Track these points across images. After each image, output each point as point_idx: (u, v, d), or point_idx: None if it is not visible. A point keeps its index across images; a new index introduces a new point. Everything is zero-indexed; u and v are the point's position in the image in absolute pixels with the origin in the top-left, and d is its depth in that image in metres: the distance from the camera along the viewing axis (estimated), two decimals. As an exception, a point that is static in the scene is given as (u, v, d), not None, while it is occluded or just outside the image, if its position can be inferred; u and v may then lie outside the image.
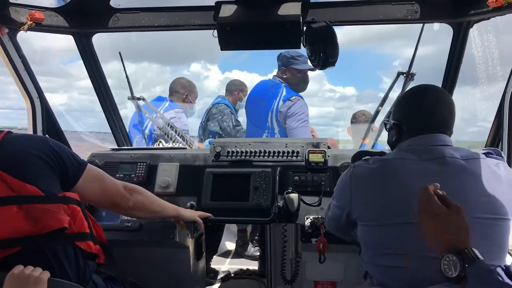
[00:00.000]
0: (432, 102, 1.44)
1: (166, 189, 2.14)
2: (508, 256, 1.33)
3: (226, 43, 1.96)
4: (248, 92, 3.80)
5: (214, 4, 1.96)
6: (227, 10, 1.90)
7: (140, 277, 1.82)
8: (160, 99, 3.56)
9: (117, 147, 2.73)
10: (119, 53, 2.81)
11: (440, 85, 2.26)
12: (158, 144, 2.80)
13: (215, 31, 1.95)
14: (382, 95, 2.77)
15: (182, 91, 3.55)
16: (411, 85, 2.50)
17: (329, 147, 2.23)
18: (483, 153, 1.43)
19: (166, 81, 3.67)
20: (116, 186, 1.60)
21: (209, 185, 2.10)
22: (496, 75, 2.07)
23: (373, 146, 2.86)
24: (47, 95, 2.44)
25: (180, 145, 2.92)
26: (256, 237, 3.65)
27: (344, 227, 1.57)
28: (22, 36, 2.21)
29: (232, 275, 3.10)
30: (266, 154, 2.20)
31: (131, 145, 2.95)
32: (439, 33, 2.24)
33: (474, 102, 2.52)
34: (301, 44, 1.95)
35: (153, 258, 2.11)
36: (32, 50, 2.35)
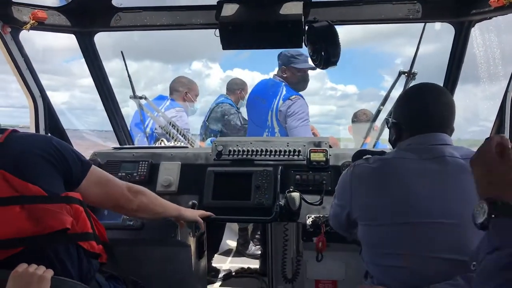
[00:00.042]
0: (432, 101, 1.44)
1: (168, 188, 2.15)
2: None
3: (228, 43, 1.96)
4: (249, 91, 3.81)
5: (216, 4, 1.96)
6: (229, 10, 1.90)
7: (142, 275, 1.83)
8: (161, 98, 3.56)
9: (119, 145, 2.74)
10: (121, 52, 2.81)
11: (441, 84, 2.26)
12: (160, 143, 2.81)
13: (217, 30, 1.95)
14: (383, 93, 2.77)
15: (182, 90, 3.55)
16: (412, 84, 2.50)
17: (330, 146, 2.23)
18: None
19: (168, 79, 3.66)
20: (120, 188, 1.59)
21: (211, 184, 2.10)
22: (498, 75, 2.07)
23: (374, 145, 2.86)
24: (49, 93, 2.45)
25: (182, 144, 2.92)
26: (257, 236, 3.66)
27: (345, 226, 1.58)
28: (24, 35, 2.22)
29: (233, 273, 3.12)
30: (268, 153, 2.20)
31: (133, 144, 2.96)
32: (441, 32, 2.24)
33: (475, 102, 2.53)
34: (303, 43, 1.95)
35: (155, 256, 2.12)
36: (34, 48, 2.36)
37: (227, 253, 3.72)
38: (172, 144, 2.83)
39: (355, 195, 1.46)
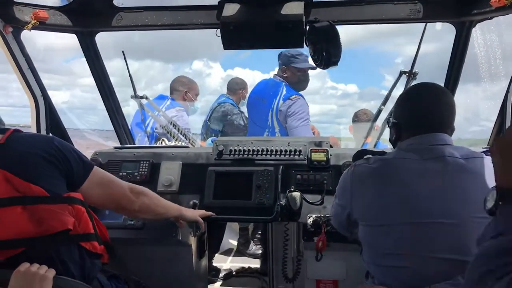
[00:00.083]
0: (432, 102, 1.44)
1: (168, 188, 2.15)
2: None
3: (229, 43, 1.97)
4: (249, 91, 3.81)
5: (217, 3, 1.97)
6: (230, 9, 1.90)
7: (142, 275, 1.83)
8: (161, 97, 3.56)
9: (119, 145, 2.75)
10: (123, 52, 2.81)
11: (442, 84, 2.26)
12: (161, 143, 2.81)
13: (218, 30, 1.95)
14: (384, 92, 2.77)
15: (182, 89, 3.55)
16: (413, 84, 2.49)
17: (331, 146, 2.23)
18: (482, 152, 1.43)
19: (169, 79, 3.67)
20: (122, 189, 1.58)
21: (212, 184, 2.11)
22: (499, 75, 2.07)
23: (375, 145, 2.86)
24: (50, 93, 2.46)
25: (183, 144, 2.93)
26: (257, 235, 3.66)
27: (346, 226, 1.58)
28: (26, 34, 2.22)
29: (234, 273, 3.12)
30: (269, 152, 2.21)
31: (134, 143, 2.96)
32: (442, 32, 2.24)
33: (476, 102, 2.53)
34: (304, 43, 1.95)
35: (156, 256, 2.12)
36: (35, 48, 2.36)
37: (227, 252, 3.73)
38: (173, 143, 2.84)
39: (355, 195, 1.47)
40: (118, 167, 2.23)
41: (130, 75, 2.91)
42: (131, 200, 1.59)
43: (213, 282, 2.98)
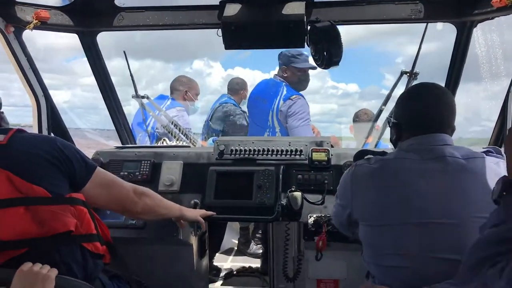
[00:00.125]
0: (432, 102, 1.43)
1: (170, 187, 2.16)
2: None
3: (231, 43, 1.97)
4: (248, 90, 3.81)
5: (218, 3, 1.97)
6: (232, 9, 1.90)
7: (144, 274, 1.84)
8: (161, 97, 3.56)
9: (121, 145, 2.75)
10: (124, 52, 2.81)
11: (443, 85, 2.26)
12: (162, 143, 2.82)
13: (220, 30, 1.95)
14: (384, 91, 2.77)
15: (182, 89, 3.54)
16: (414, 84, 2.49)
17: (332, 146, 2.24)
18: (483, 152, 1.43)
19: (169, 78, 3.68)
20: (125, 190, 1.57)
21: (213, 183, 2.11)
22: (500, 75, 2.07)
23: (376, 145, 2.87)
24: (51, 92, 2.46)
25: (184, 143, 2.93)
26: (257, 235, 3.66)
27: (347, 226, 1.59)
28: (27, 34, 2.22)
29: (235, 272, 3.12)
30: (270, 152, 2.21)
31: (135, 143, 2.97)
32: (443, 31, 2.24)
33: (477, 101, 2.53)
34: (305, 43, 1.95)
35: (157, 255, 2.13)
36: (36, 48, 2.36)
37: (228, 252, 3.73)
38: (174, 143, 2.84)
39: (356, 196, 1.47)
40: (120, 167, 2.23)
41: (131, 75, 2.92)
42: (133, 202, 1.59)
43: (214, 281, 2.98)
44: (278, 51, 3.28)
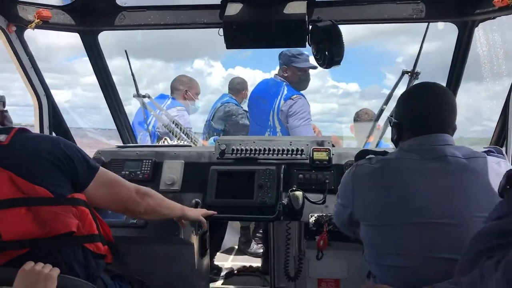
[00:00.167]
0: (433, 101, 1.43)
1: (171, 186, 2.16)
2: None
3: (232, 42, 1.97)
4: (249, 90, 3.81)
5: (220, 3, 1.97)
6: (233, 9, 1.90)
7: (145, 273, 1.83)
8: (162, 97, 3.56)
9: (122, 144, 2.75)
10: (125, 51, 2.81)
11: (444, 84, 2.26)
12: (163, 142, 2.82)
13: (221, 29, 1.95)
14: (385, 91, 2.78)
15: (182, 88, 3.54)
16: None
17: (333, 145, 2.24)
18: (484, 152, 1.43)
19: (170, 78, 3.68)
20: (128, 191, 1.57)
21: (214, 183, 2.11)
22: (501, 74, 2.07)
23: (377, 145, 2.87)
24: (52, 92, 2.46)
25: (185, 143, 2.93)
26: (258, 234, 3.66)
27: (348, 225, 1.59)
28: (27, 34, 2.22)
29: (235, 272, 3.12)
30: (271, 152, 2.21)
31: (136, 142, 2.97)
32: (444, 31, 2.24)
33: (478, 101, 2.53)
34: (307, 42, 1.95)
35: (158, 254, 2.13)
36: (37, 47, 2.36)
37: (229, 251, 3.73)
38: (175, 142, 2.84)
39: (357, 195, 1.47)
40: (121, 166, 2.24)
41: (132, 74, 2.92)
42: (136, 202, 1.58)
43: (215, 280, 2.99)
44: (279, 50, 3.28)
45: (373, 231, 1.41)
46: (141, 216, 1.71)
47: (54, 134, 2.45)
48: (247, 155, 2.22)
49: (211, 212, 1.98)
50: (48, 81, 2.43)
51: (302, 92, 3.23)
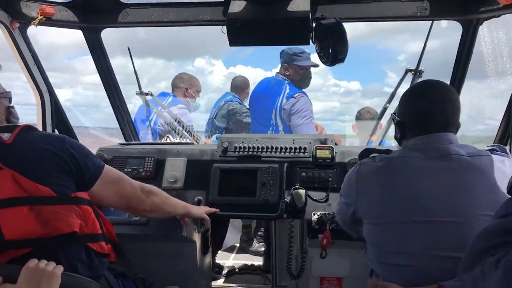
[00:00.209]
0: (436, 99, 1.42)
1: (173, 184, 2.16)
2: None
3: (235, 39, 1.96)
4: (250, 88, 3.81)
5: (223, 0, 1.97)
6: (237, 6, 1.90)
7: (147, 270, 1.83)
8: (163, 94, 3.56)
9: (125, 141, 2.75)
10: (128, 48, 2.81)
11: (448, 83, 2.25)
12: (166, 139, 2.82)
13: (224, 27, 1.95)
14: (387, 89, 2.79)
15: (183, 86, 3.54)
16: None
17: (336, 144, 2.23)
18: (488, 150, 1.43)
19: (171, 76, 3.67)
20: (133, 189, 1.56)
21: (217, 180, 2.11)
22: (506, 73, 2.06)
23: (380, 143, 2.86)
24: (53, 90, 2.46)
25: (187, 140, 2.93)
26: (259, 233, 3.67)
27: (350, 224, 1.59)
28: (29, 32, 2.22)
29: (237, 270, 3.13)
30: (273, 150, 2.21)
31: (139, 140, 2.97)
32: (447, 29, 2.23)
33: (482, 100, 2.52)
34: (310, 40, 1.95)
35: (161, 252, 2.13)
36: (38, 47, 2.36)
37: (230, 249, 3.74)
38: (177, 140, 2.84)
39: (361, 194, 1.47)
40: (123, 163, 2.24)
41: (135, 71, 2.91)
42: (141, 200, 1.58)
43: (216, 279, 2.99)
44: (280, 49, 3.27)
45: (376, 230, 1.41)
46: (145, 214, 1.71)
47: (57, 132, 2.45)
48: (250, 153, 2.22)
49: (213, 209, 1.98)
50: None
51: (303, 90, 3.22)
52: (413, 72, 2.47)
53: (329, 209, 1.98)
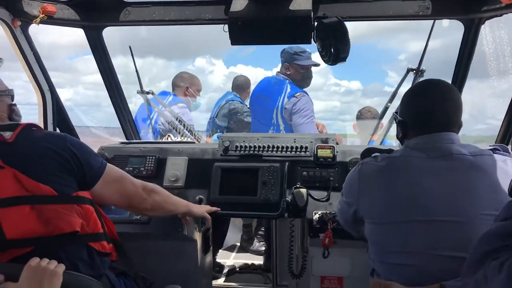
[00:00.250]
0: (438, 98, 1.42)
1: (175, 183, 2.16)
2: None
3: (237, 38, 1.95)
4: (251, 88, 3.81)
5: (225, -2, 1.97)
6: (239, 5, 1.89)
7: (148, 269, 1.83)
8: (164, 93, 3.56)
9: (126, 140, 2.75)
10: (130, 47, 2.81)
11: (450, 82, 2.25)
12: (167, 138, 2.82)
13: (226, 25, 1.94)
14: (387, 89, 2.78)
15: (183, 85, 3.54)
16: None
17: (337, 143, 2.23)
18: (490, 149, 1.43)
19: (171, 76, 3.67)
20: (135, 187, 1.56)
21: (218, 179, 2.11)
22: (508, 72, 2.05)
23: (381, 143, 2.86)
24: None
25: (188, 139, 2.93)
26: (260, 232, 3.67)
27: (352, 223, 1.58)
28: (30, 31, 2.22)
29: (237, 269, 3.13)
30: (275, 149, 2.21)
31: (140, 139, 2.97)
32: (449, 28, 2.22)
33: (483, 99, 2.51)
34: (312, 39, 1.94)
35: (162, 251, 2.13)
36: (39, 46, 2.36)
37: (231, 248, 3.74)
38: (179, 139, 2.84)
39: (362, 193, 1.47)
40: (125, 162, 2.24)
41: (136, 70, 2.91)
42: (143, 198, 1.58)
43: (217, 278, 2.99)
44: (281, 48, 3.26)
45: (378, 229, 1.41)
46: (146, 213, 1.71)
47: (58, 131, 2.45)
48: (251, 152, 2.22)
49: (215, 208, 1.98)
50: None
51: (304, 89, 3.22)
52: (414, 71, 2.47)
53: (330, 208, 1.98)
